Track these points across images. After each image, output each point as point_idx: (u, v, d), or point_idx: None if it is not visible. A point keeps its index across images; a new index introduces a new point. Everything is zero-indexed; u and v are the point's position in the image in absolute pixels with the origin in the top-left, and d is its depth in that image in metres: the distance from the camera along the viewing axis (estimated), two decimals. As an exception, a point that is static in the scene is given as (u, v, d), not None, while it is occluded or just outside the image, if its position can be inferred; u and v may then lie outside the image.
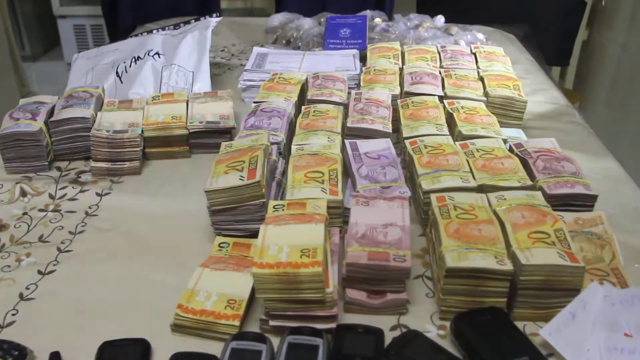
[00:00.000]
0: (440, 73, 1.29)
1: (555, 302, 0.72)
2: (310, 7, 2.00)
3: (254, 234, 0.83)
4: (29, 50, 3.92)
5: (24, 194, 1.01)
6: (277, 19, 1.84)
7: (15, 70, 3.04)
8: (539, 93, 1.43)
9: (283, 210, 0.80)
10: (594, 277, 0.75)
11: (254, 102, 1.14)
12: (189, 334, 0.71)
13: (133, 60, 1.35)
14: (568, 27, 2.17)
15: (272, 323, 0.70)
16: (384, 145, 1.00)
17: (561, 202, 0.86)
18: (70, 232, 0.92)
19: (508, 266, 0.70)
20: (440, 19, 1.78)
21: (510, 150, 0.98)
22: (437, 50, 1.44)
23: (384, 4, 2.26)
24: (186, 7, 2.18)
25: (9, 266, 0.84)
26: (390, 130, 1.04)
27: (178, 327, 0.72)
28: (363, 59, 1.46)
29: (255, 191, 0.82)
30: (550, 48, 2.08)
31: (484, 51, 1.43)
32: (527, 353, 0.65)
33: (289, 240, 0.72)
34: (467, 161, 0.93)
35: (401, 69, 1.32)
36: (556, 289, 0.71)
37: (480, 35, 1.68)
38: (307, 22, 1.75)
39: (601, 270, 0.77)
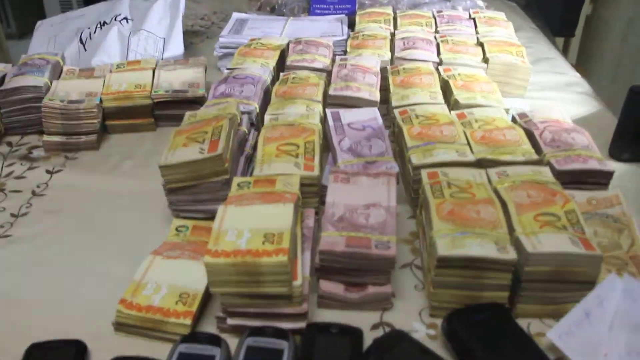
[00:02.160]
0: (435, 38, 1.16)
1: (565, 296, 0.61)
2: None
3: (217, 216, 0.72)
4: (15, 27, 3.79)
5: (-36, 171, 0.90)
6: (262, -16, 1.71)
7: (-2, 48, 2.91)
8: (543, 62, 1.31)
9: (249, 188, 0.69)
10: (610, 267, 0.64)
11: (227, 69, 1.02)
12: (134, 333, 0.60)
13: (98, 25, 1.23)
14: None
15: (230, 322, 0.59)
16: (371, 114, 0.88)
17: (572, 179, 0.74)
18: (12, 215, 0.81)
19: (511, 255, 0.59)
20: (438, -15, 1.64)
21: (513, 120, 0.87)
22: (433, 15, 1.32)
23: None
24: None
25: (-64, 253, 0.73)
26: (378, 99, 0.92)
27: (121, 326, 0.61)
28: (352, 25, 1.33)
29: (217, 166, 0.71)
30: (554, 17, 1.94)
31: (484, 16, 1.30)
32: (532, 358, 0.54)
33: (250, 224, 0.60)
34: (464, 132, 0.81)
35: (393, 34, 1.20)
36: (567, 281, 0.60)
37: (480, 2, 1.54)
38: (293, -12, 1.61)
39: (619, 259, 0.65)
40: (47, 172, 0.90)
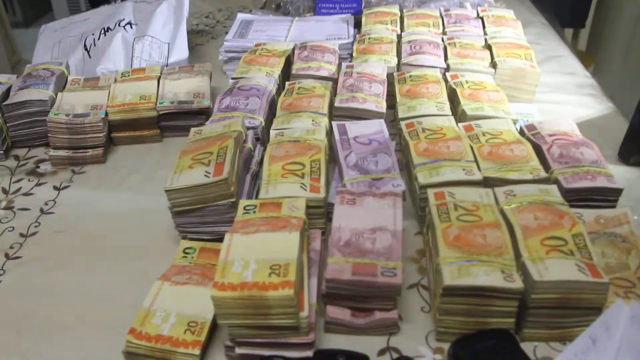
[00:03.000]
0: (442, 41, 1.15)
1: (572, 321, 0.61)
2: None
3: (224, 237, 0.72)
4: (21, 16, 3.78)
5: (-27, 188, 0.91)
6: (267, -20, 1.69)
7: (4, 37, 2.91)
8: (553, 61, 1.29)
9: (255, 212, 0.69)
10: (617, 289, 0.64)
11: (232, 78, 1.02)
12: (144, 362, 0.61)
13: (102, 31, 1.22)
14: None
15: (238, 351, 0.60)
16: (377, 127, 0.88)
17: (580, 197, 0.74)
18: (21, 235, 0.81)
19: (517, 283, 0.58)
20: (445, -22, 1.62)
21: (521, 132, 0.86)
22: (440, 14, 1.30)
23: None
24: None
25: (-51, 276, 0.74)
26: (384, 111, 0.91)
27: (131, 355, 0.61)
28: (358, 25, 1.32)
29: (223, 190, 0.71)
30: (564, 9, 1.91)
31: (492, 15, 1.28)
32: (538, 389, 0.55)
33: (257, 254, 0.61)
34: (471, 147, 0.80)
35: (399, 36, 1.18)
36: (574, 308, 0.60)
37: (489, -4, 1.52)
38: (298, -16, 1.59)
39: (627, 280, 0.65)
40: (55, 188, 0.90)
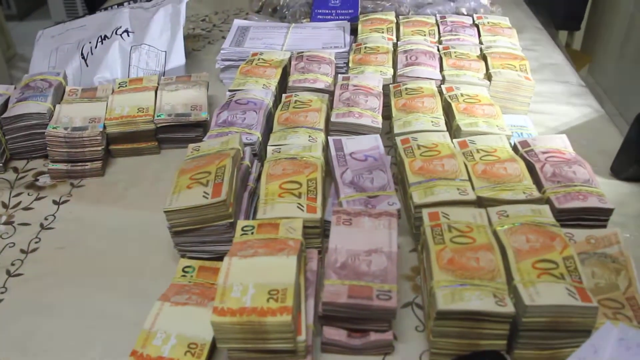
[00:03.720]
0: (438, 50, 1.16)
1: (562, 342, 0.62)
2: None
3: (222, 256, 0.73)
4: (15, 9, 3.77)
5: (-26, 202, 0.92)
6: (263, -17, 1.69)
7: (-1, 31, 2.90)
8: (547, 68, 1.30)
9: (252, 233, 0.70)
10: (606, 310, 0.65)
11: (229, 91, 1.02)
12: (145, 383, 0.63)
13: (99, 40, 1.22)
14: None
15: (237, 373, 0.61)
16: (373, 143, 0.89)
17: (571, 217, 0.75)
18: (22, 251, 0.82)
19: (509, 307, 0.60)
20: (441, -19, 1.62)
21: (515, 149, 0.87)
22: (436, 20, 1.30)
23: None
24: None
25: (-49, 295, 0.75)
26: (380, 126, 0.92)
27: (133, 376, 0.63)
28: (354, 31, 1.33)
29: (221, 211, 0.72)
30: (560, 11, 1.91)
31: (488, 22, 1.29)
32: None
33: (255, 278, 0.62)
34: (466, 165, 0.82)
35: (395, 45, 1.19)
36: (564, 330, 0.62)
37: (484, 0, 1.52)
38: (295, -13, 1.59)
39: (616, 301, 0.67)
40: (54, 202, 0.91)
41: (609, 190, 0.89)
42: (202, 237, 0.74)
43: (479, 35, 1.24)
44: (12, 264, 0.80)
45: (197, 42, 1.46)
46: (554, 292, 0.61)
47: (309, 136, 0.88)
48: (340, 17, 1.38)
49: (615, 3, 2.44)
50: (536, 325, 0.61)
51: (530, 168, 0.82)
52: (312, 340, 0.63)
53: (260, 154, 0.89)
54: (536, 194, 0.76)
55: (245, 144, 0.87)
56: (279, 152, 0.85)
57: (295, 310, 0.60)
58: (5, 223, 0.87)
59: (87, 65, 1.20)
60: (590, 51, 2.61)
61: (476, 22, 1.30)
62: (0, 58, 2.88)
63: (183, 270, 0.74)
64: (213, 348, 0.65)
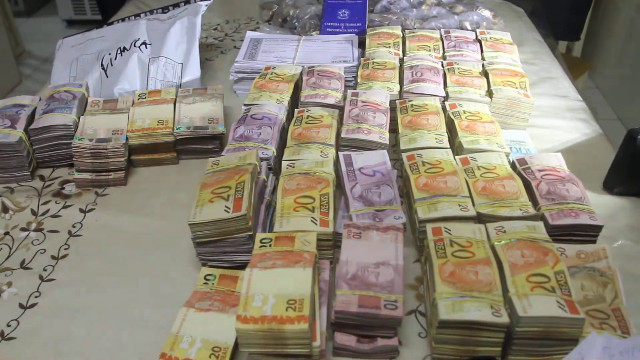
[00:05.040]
0: (442, 66, 1.21)
1: (552, 350, 0.69)
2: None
3: (242, 265, 0.80)
4: (23, 5, 3.81)
5: (5, 209, 0.98)
6: (273, -8, 1.74)
7: (8, 28, 2.94)
8: (546, 82, 1.36)
9: (270, 245, 0.77)
10: (593, 320, 0.72)
11: (244, 105, 1.08)
12: (173, 384, 0.69)
13: (119, 51, 1.28)
14: (579, 1, 2.06)
15: (257, 374, 0.68)
16: (380, 158, 0.95)
17: (564, 232, 0.81)
18: (52, 257, 0.88)
19: (504, 318, 0.66)
20: (445, -7, 1.68)
21: (513, 166, 0.93)
22: (441, 35, 1.36)
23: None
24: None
25: (-11, 298, 0.82)
26: (387, 142, 0.99)
27: (162, 376, 0.69)
28: (362, 44, 1.38)
29: (241, 224, 0.78)
30: (560, 22, 1.97)
31: (490, 38, 1.34)
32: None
33: (274, 289, 0.68)
34: (467, 182, 0.88)
35: (401, 60, 1.25)
36: (554, 339, 0.68)
37: (487, 13, 1.58)
38: (304, -2, 1.65)
39: (602, 312, 0.73)
40: (81, 210, 0.97)
41: (601, 204, 0.96)
42: (223, 247, 0.80)
43: (482, 51, 1.30)
44: (44, 269, 0.86)
45: (210, 52, 1.52)
46: (545, 304, 0.67)
47: (321, 152, 0.94)
48: (348, 30, 1.44)
49: (615, 8, 2.49)
50: (528, 334, 0.67)
51: (527, 185, 0.88)
52: (325, 345, 0.69)
53: (275, 168, 0.95)
54: (531, 210, 0.83)
55: (261, 159, 0.93)
56: (293, 167, 0.91)
57: (311, 318, 0.66)
58: (36, 230, 0.94)
59: (107, 76, 1.25)
60: (591, 56, 2.66)
61: (479, 37, 1.35)
62: (9, 55, 2.92)
63: (205, 278, 0.80)
64: (235, 351, 0.71)
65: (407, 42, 1.33)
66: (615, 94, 2.55)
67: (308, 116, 1.03)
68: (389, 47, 1.30)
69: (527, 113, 1.11)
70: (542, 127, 1.17)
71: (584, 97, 1.32)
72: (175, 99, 1.13)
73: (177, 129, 1.05)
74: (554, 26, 1.83)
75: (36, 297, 0.82)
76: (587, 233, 0.82)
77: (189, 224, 0.79)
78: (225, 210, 0.79)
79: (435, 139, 0.97)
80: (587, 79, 2.69)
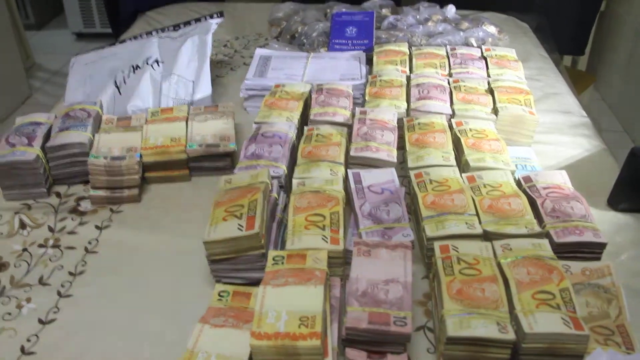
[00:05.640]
0: (449, 83, 1.24)
1: (558, 365, 0.71)
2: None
3: (254, 282, 0.82)
4: (33, 18, 3.86)
5: (23, 226, 1.00)
6: (282, 9, 1.78)
7: (18, 40, 2.98)
8: (551, 98, 1.38)
9: (282, 263, 0.79)
10: (598, 337, 0.73)
11: (255, 123, 1.11)
12: (190, 398, 0.71)
13: (132, 69, 1.31)
14: (584, 17, 2.08)
15: (271, 389, 0.70)
16: (389, 176, 0.97)
17: (569, 250, 0.83)
18: (70, 273, 0.91)
19: (510, 335, 0.68)
20: (451, 10, 1.71)
21: (518, 184, 0.95)
22: (447, 53, 1.39)
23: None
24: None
25: (9, 314, 0.84)
26: (395, 160, 1.01)
27: (179, 391, 0.71)
28: (369, 61, 1.41)
29: (254, 242, 0.81)
30: (564, 37, 1.99)
31: (496, 55, 1.37)
32: None
33: (287, 306, 0.71)
34: (473, 200, 0.90)
35: (408, 78, 1.28)
36: (559, 355, 0.70)
37: (492, 29, 1.61)
38: (312, 15, 1.68)
39: (606, 328, 0.75)
40: (97, 227, 1.00)
41: (605, 220, 0.98)
42: (236, 264, 0.83)
43: (487, 68, 1.32)
44: (62, 285, 0.89)
45: (220, 69, 1.55)
46: (550, 321, 0.69)
47: (331, 170, 0.96)
48: (356, 47, 1.47)
49: (619, 20, 2.50)
50: (534, 350, 0.69)
51: (532, 203, 0.90)
52: (336, 361, 0.71)
53: (286, 186, 0.98)
54: (537, 228, 0.85)
55: (273, 177, 0.95)
56: (304, 185, 0.93)
57: (323, 334, 0.68)
58: (53, 246, 0.96)
59: (121, 94, 1.28)
60: (596, 68, 2.68)
61: (484, 54, 1.38)
62: (20, 68, 2.96)
63: (219, 295, 0.83)
64: (249, 366, 0.73)
65: (414, 60, 1.35)
66: (621, 106, 2.56)
67: (317, 134, 1.06)
68: (396, 64, 1.32)
69: (532, 130, 1.13)
70: (547, 143, 1.19)
71: (590, 110, 1.35)
72: (188, 117, 1.16)
73: (189, 146, 1.08)
74: (558, 41, 1.85)
75: (55, 312, 0.84)
76: (592, 250, 0.84)
77: (204, 242, 0.81)
78: (238, 228, 0.81)
79: (442, 156, 1.00)
80: (593, 91, 2.71)
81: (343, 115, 1.13)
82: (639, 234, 0.96)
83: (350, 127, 1.10)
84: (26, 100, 2.93)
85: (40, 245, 0.96)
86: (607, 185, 1.03)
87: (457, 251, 0.80)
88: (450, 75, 1.30)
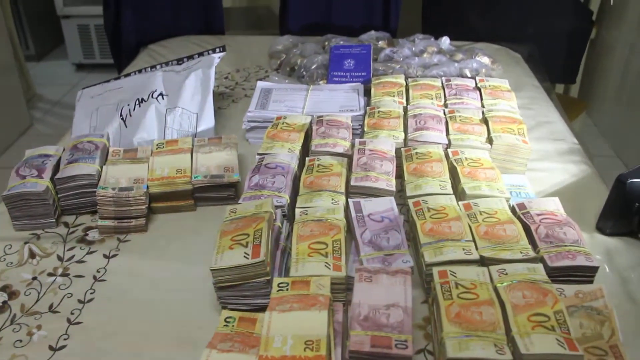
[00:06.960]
0: (444, 114, 1.29)
1: (554, 386, 0.73)
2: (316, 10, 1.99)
3: (260, 308, 0.85)
4: (33, 49, 3.92)
5: (32, 255, 1.03)
6: (281, 42, 1.84)
7: (19, 71, 3.03)
8: (543, 126, 1.43)
9: (287, 289, 0.82)
10: (591, 357, 0.76)
11: (258, 154, 1.15)
12: (201, 423, 0.74)
13: (137, 102, 1.35)
14: (575, 45, 2.15)
15: (277, 412, 0.72)
16: (388, 205, 1.01)
17: (562, 273, 0.87)
18: (79, 301, 0.93)
19: (507, 356, 0.71)
20: (445, 41, 1.77)
21: (513, 211, 0.99)
22: (442, 84, 1.44)
23: (389, 13, 2.22)
24: (189, 25, 2.16)
25: (20, 341, 0.86)
26: (394, 189, 1.05)
27: (187, 415, 0.74)
28: (367, 92, 1.46)
29: (260, 270, 0.84)
30: (556, 65, 2.06)
31: (489, 85, 1.42)
32: None
33: (292, 330, 0.73)
34: (470, 226, 0.93)
35: (405, 109, 1.32)
36: (555, 376, 0.73)
37: (486, 60, 1.67)
38: (311, 48, 1.74)
39: (600, 349, 0.77)
40: (105, 256, 1.03)
41: (595, 244, 1.02)
42: (242, 291, 0.86)
43: (481, 98, 1.37)
44: (72, 313, 0.91)
45: (222, 101, 1.60)
46: (546, 343, 0.72)
47: (332, 199, 1.00)
48: (354, 79, 1.52)
49: (609, 49, 2.58)
50: (532, 371, 0.72)
51: (527, 229, 0.93)
52: (340, 384, 0.74)
53: (289, 215, 1.01)
54: (531, 253, 0.88)
55: (276, 207, 0.99)
56: (306, 214, 0.97)
57: (327, 357, 0.71)
58: (62, 275, 0.99)
59: (126, 126, 1.33)
60: (588, 95, 2.74)
61: (478, 85, 1.43)
62: (21, 98, 3.00)
63: (225, 320, 0.85)
64: (255, 391, 0.76)
65: (411, 91, 1.40)
66: (612, 132, 2.62)
67: (319, 165, 1.10)
68: (394, 95, 1.37)
69: (525, 158, 1.18)
70: (540, 170, 1.23)
71: (581, 136, 1.40)
72: (192, 148, 1.20)
73: (194, 177, 1.12)
74: (550, 70, 1.91)
75: (65, 339, 0.86)
76: (584, 274, 0.87)
77: (211, 270, 0.84)
78: (244, 256, 0.84)
79: (440, 185, 1.03)
80: (586, 117, 2.77)
81: (343, 146, 1.17)
82: (628, 257, 0.99)
83: (350, 157, 1.14)
84: (27, 131, 2.97)
85: (50, 274, 0.99)
86: (597, 209, 1.07)
87: (455, 276, 0.83)
88: (445, 105, 1.35)
